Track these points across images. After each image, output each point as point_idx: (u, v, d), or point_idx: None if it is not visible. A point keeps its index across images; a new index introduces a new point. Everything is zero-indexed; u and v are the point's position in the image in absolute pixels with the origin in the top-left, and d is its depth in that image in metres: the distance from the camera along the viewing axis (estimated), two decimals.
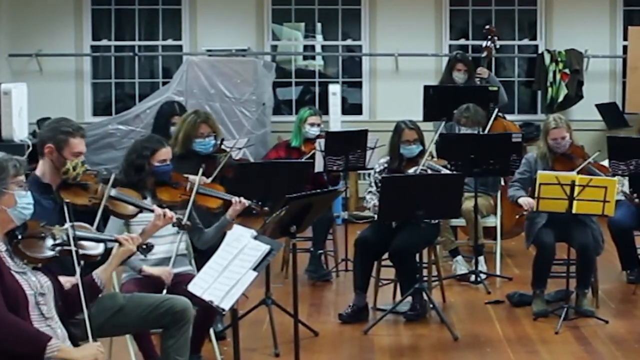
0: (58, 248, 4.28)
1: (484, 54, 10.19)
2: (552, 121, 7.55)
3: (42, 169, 5.10)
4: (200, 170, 6.17)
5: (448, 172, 7.45)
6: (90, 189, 5.17)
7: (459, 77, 9.82)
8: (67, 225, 4.29)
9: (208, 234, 6.18)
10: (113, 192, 5.26)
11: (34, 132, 10.61)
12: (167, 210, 5.43)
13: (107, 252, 4.57)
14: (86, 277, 4.39)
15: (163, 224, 5.41)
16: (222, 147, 7.40)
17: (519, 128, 10.14)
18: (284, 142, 8.90)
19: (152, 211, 5.39)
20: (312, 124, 8.65)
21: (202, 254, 5.96)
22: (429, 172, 7.37)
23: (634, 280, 8.22)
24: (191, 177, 6.14)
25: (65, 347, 4.14)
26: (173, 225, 5.61)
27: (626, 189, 7.77)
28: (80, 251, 4.32)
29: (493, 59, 12.39)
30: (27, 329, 4.07)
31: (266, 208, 6.32)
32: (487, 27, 10.53)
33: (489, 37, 10.22)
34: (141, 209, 5.39)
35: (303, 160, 8.25)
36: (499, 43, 10.38)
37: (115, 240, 4.58)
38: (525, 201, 7.32)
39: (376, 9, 12.58)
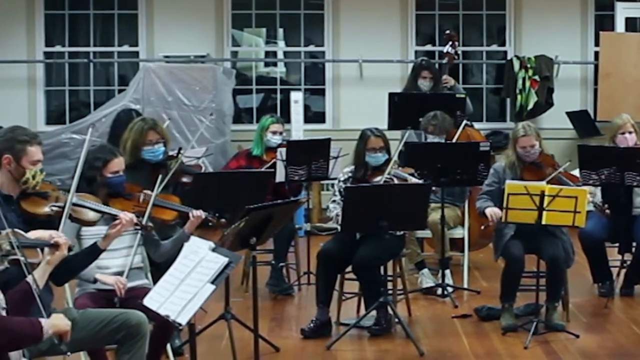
0: (6, 260, 4.17)
1: (445, 60, 10.17)
2: (521, 129, 7.46)
3: None
4: (158, 180, 6.07)
5: (415, 179, 7.38)
6: (51, 197, 5.12)
7: (425, 84, 9.73)
8: (6, 231, 4.20)
9: (165, 246, 6.08)
10: (75, 199, 5.21)
11: None
12: (127, 212, 5.46)
13: None
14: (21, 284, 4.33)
15: (126, 227, 5.45)
16: (179, 155, 7.24)
17: (483, 136, 10.08)
18: (245, 150, 8.79)
19: (115, 216, 5.40)
20: (274, 132, 8.55)
21: (158, 267, 5.87)
22: (395, 180, 7.28)
23: (605, 294, 8.13)
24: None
25: (52, 320, 4.11)
26: (135, 228, 5.60)
27: (597, 199, 7.68)
28: (29, 260, 4.25)
29: (460, 66, 12.39)
30: (19, 322, 4.07)
31: (223, 220, 6.23)
32: (448, 32, 10.51)
33: (450, 42, 10.20)
34: (103, 214, 5.40)
35: (264, 169, 8.15)
36: (466, 49, 10.36)
37: (54, 245, 4.46)
38: (492, 212, 7.21)
39: (340, 13, 12.55)
